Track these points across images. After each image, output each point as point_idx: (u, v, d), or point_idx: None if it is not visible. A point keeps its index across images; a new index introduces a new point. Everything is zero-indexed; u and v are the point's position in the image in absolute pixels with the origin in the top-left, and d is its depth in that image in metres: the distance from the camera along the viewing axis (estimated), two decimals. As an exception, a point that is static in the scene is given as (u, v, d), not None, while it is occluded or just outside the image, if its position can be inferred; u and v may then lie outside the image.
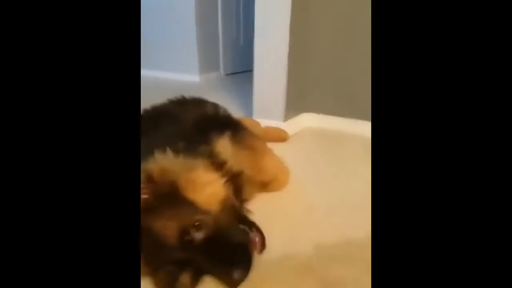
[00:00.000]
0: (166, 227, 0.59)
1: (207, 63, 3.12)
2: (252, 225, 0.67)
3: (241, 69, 3.41)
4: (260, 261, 0.67)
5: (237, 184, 0.73)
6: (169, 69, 3.16)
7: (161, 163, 0.64)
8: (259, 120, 1.54)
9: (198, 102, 1.18)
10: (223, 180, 0.68)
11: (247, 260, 0.61)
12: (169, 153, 0.68)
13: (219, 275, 0.61)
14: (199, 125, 0.89)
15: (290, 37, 1.42)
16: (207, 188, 0.64)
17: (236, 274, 0.58)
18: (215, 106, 1.14)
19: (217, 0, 3.02)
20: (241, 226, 0.65)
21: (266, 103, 1.55)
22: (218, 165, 0.72)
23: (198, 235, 0.60)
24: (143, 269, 0.61)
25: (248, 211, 0.76)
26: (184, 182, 0.63)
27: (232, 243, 0.61)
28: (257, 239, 0.65)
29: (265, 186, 0.94)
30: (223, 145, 0.81)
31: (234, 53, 3.31)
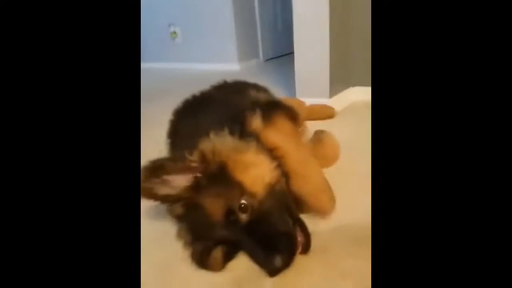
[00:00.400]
0: (213, 204, 0.61)
1: (246, 50, 3.11)
2: (297, 221, 0.64)
3: (281, 53, 3.36)
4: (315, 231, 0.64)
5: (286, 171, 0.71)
6: (209, 60, 3.21)
7: (214, 143, 0.66)
8: (303, 99, 1.50)
9: (240, 86, 1.17)
10: (272, 164, 0.67)
11: (290, 249, 0.59)
12: (224, 134, 0.69)
13: (260, 260, 0.59)
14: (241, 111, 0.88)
15: (331, 11, 1.35)
16: (253, 170, 0.64)
17: (277, 261, 0.56)
18: (257, 89, 1.12)
19: (252, -14, 2.99)
20: (287, 218, 0.63)
21: (309, 80, 1.50)
22: (268, 150, 0.71)
23: (243, 217, 0.60)
24: (185, 239, 0.65)
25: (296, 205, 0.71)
26: (233, 163, 0.63)
27: (276, 230, 0.60)
28: (299, 238, 0.62)
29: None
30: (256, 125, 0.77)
31: (273, 38, 3.26)
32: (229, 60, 3.08)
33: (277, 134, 0.75)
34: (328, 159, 0.97)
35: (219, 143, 0.66)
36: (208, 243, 0.62)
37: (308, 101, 1.47)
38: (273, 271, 0.58)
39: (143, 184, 0.60)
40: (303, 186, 0.70)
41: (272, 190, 0.64)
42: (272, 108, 0.85)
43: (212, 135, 0.68)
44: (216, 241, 0.62)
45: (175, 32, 3.37)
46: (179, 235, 0.67)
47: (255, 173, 0.64)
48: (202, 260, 0.63)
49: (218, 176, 0.63)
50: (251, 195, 0.62)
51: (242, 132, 0.72)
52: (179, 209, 0.65)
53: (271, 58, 3.31)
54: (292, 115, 0.86)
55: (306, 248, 0.62)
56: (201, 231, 0.63)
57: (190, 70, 3.13)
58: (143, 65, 3.63)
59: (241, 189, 0.62)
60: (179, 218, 0.67)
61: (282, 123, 0.81)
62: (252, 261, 0.62)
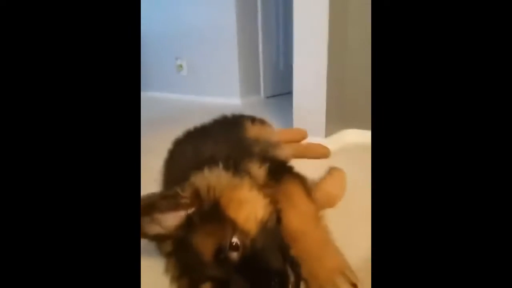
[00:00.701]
0: (204, 243, 0.60)
1: (248, 86, 3.23)
2: (289, 259, 0.63)
3: (281, 92, 3.49)
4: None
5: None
6: (212, 93, 3.32)
7: (208, 179, 0.66)
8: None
9: (239, 120, 1.24)
10: (265, 200, 0.67)
11: (283, 286, 0.57)
12: (218, 170, 0.69)
13: None
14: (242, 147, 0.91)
15: (329, 55, 1.45)
16: (246, 207, 0.64)
17: None
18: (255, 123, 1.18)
19: (257, 26, 3.18)
20: (279, 256, 0.61)
21: (306, 118, 1.57)
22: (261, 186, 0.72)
23: (233, 255, 0.59)
24: (173, 274, 0.64)
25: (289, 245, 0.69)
26: (226, 200, 0.63)
27: (268, 268, 0.59)
28: (292, 278, 0.60)
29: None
30: (256, 174, 0.76)
31: (274, 76, 3.40)
32: (231, 95, 3.19)
33: (297, 214, 0.71)
34: (335, 199, 0.98)
35: (214, 179, 0.67)
36: (196, 278, 0.61)
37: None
38: None
39: None
40: (319, 270, 0.66)
41: (264, 227, 0.63)
42: (284, 172, 0.82)
43: (206, 171, 0.68)
44: (206, 279, 0.60)
45: (181, 65, 3.52)
46: (167, 270, 0.66)
47: (248, 210, 0.63)
48: None
49: (211, 214, 0.62)
50: (244, 233, 0.61)
51: (236, 168, 0.73)
52: (168, 246, 0.64)
53: (272, 96, 3.43)
54: (306, 186, 0.80)
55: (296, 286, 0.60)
56: (190, 269, 0.62)
57: (194, 102, 3.23)
58: (149, 94, 3.74)
59: (234, 227, 0.61)
60: (168, 255, 0.66)
61: (299, 200, 0.75)
62: None
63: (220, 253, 0.58)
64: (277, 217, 0.69)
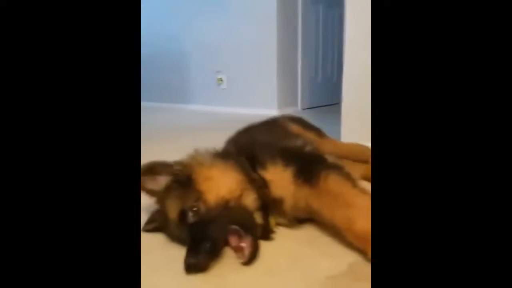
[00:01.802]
0: (172, 204, 0.75)
1: (286, 98, 3.30)
2: (249, 230, 0.70)
3: (318, 104, 3.52)
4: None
5: (264, 202, 0.78)
6: (250, 105, 3.42)
7: (192, 158, 0.83)
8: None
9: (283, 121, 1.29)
10: (238, 186, 0.76)
11: (210, 253, 0.67)
12: (205, 153, 0.85)
13: (185, 256, 0.66)
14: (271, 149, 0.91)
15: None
16: (211, 183, 0.76)
17: (191, 260, 0.65)
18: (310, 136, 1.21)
19: (297, 41, 3.27)
20: (233, 227, 0.69)
21: (353, 129, 1.59)
22: (251, 179, 0.80)
23: (191, 218, 0.72)
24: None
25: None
26: (197, 175, 0.77)
27: (209, 235, 0.68)
28: (244, 244, 0.68)
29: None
30: (278, 176, 0.80)
31: (312, 89, 3.46)
32: (269, 106, 3.27)
33: (359, 215, 0.69)
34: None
35: (194, 158, 0.82)
36: (167, 234, 0.78)
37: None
38: (186, 268, 0.65)
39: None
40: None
41: (225, 205, 0.74)
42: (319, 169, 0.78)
43: (195, 152, 0.85)
44: (171, 236, 0.77)
45: (221, 79, 3.67)
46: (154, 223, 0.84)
47: (212, 185, 0.75)
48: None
49: (184, 183, 0.77)
50: (203, 202, 0.73)
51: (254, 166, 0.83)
52: (155, 204, 0.83)
53: (308, 108, 3.47)
54: (350, 177, 0.78)
55: (251, 257, 0.68)
56: (163, 224, 0.79)
57: (232, 113, 3.34)
58: (191, 107, 3.92)
59: (197, 196, 0.73)
60: (153, 214, 0.85)
61: (351, 198, 0.72)
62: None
63: (182, 215, 0.73)
64: (263, 204, 0.78)
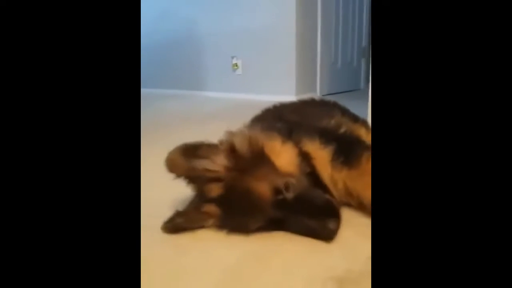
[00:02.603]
0: (261, 186, 0.64)
1: (304, 84, 3.20)
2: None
3: (337, 91, 3.41)
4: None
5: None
6: (266, 91, 3.33)
7: (248, 134, 0.72)
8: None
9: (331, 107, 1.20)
10: (295, 150, 0.72)
11: (336, 213, 0.64)
12: (255, 130, 0.76)
13: (314, 230, 0.63)
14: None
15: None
16: (285, 154, 0.70)
17: (332, 225, 0.62)
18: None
19: (317, 26, 3.15)
20: (321, 192, 0.68)
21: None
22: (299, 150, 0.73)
23: (289, 195, 0.65)
24: (228, 226, 0.68)
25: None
26: (268, 149, 0.69)
27: (318, 201, 0.65)
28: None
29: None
30: (316, 154, 0.74)
31: (331, 75, 3.34)
32: (287, 93, 3.17)
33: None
34: None
35: (253, 134, 0.72)
36: (253, 221, 0.66)
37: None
38: (330, 235, 0.63)
39: (178, 161, 0.66)
40: None
41: (301, 170, 0.69)
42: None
43: (244, 129, 0.76)
44: (265, 221, 0.65)
45: (236, 64, 3.58)
46: (207, 215, 0.68)
47: (288, 156, 0.70)
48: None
49: (259, 161, 0.67)
50: (289, 175, 0.67)
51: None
52: (218, 189, 0.66)
53: (327, 94, 3.36)
54: None
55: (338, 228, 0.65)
56: (247, 212, 0.65)
57: (249, 100, 3.26)
58: (205, 94, 3.86)
59: (279, 171, 0.67)
60: (217, 200, 0.67)
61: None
62: (302, 234, 0.65)
63: (277, 194, 0.64)
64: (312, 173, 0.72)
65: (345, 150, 0.73)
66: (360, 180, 0.70)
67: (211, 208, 0.68)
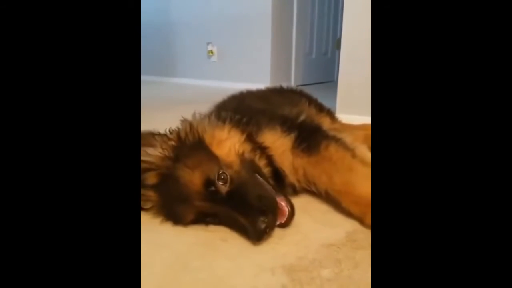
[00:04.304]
0: (191, 175, 0.61)
1: (279, 74, 3.19)
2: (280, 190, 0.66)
3: (312, 81, 3.42)
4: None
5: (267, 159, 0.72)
6: (241, 79, 3.29)
7: (191, 122, 0.70)
8: (342, 116, 1.49)
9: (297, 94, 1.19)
10: (242, 137, 0.70)
11: (271, 210, 0.59)
12: (204, 117, 0.75)
13: (244, 227, 0.58)
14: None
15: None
16: (226, 143, 0.67)
17: (262, 223, 0.56)
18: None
19: (292, 15, 3.12)
20: (264, 183, 0.64)
21: (350, 105, 1.51)
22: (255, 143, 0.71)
23: (222, 187, 0.61)
24: (158, 208, 0.67)
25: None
26: (209, 138, 0.67)
27: (255, 194, 0.60)
28: (283, 203, 0.62)
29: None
30: (276, 143, 0.74)
31: (306, 65, 3.34)
32: (262, 82, 3.14)
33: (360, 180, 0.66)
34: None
35: (196, 121, 0.71)
36: (183, 210, 0.63)
37: (348, 117, 1.46)
38: (258, 235, 0.57)
39: None
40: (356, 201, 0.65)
41: (243, 158, 0.66)
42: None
43: (191, 117, 0.74)
44: (194, 212, 0.63)
45: (212, 51, 3.51)
46: (147, 201, 0.66)
47: (229, 146, 0.67)
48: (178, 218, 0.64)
49: (195, 149, 0.65)
50: (228, 165, 0.63)
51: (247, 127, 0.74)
52: (153, 178, 0.65)
53: (302, 85, 3.37)
54: (348, 147, 0.75)
55: (292, 217, 0.63)
56: (176, 201, 0.63)
57: (222, 88, 3.21)
58: (177, 80, 3.76)
59: (218, 161, 0.63)
60: (153, 188, 0.65)
61: (349, 164, 0.69)
62: (234, 230, 0.63)
63: (209, 185, 0.60)
64: (269, 161, 0.71)
65: (306, 138, 0.74)
66: (318, 167, 0.70)
67: (150, 193, 0.66)
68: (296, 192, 0.77)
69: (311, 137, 0.74)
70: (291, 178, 0.73)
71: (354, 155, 0.72)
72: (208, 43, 3.52)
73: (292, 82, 3.31)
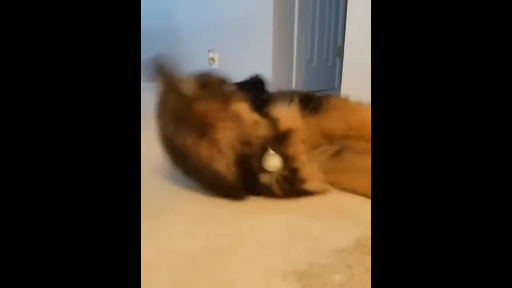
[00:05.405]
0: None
1: (280, 81, 3.19)
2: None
3: (313, 89, 3.43)
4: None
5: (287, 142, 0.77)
6: (243, 87, 3.30)
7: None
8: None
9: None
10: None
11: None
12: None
13: None
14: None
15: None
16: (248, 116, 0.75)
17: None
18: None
19: (293, 22, 3.15)
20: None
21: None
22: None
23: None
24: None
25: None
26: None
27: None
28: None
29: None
30: (285, 113, 0.81)
31: (307, 73, 3.36)
32: (263, 89, 3.16)
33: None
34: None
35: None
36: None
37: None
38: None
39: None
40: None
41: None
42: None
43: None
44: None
45: (213, 58, 3.52)
46: None
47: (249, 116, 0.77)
48: None
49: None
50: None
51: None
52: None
53: (303, 92, 3.39)
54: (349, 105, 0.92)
55: None
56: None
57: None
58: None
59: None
60: None
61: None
62: None
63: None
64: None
65: (308, 102, 0.85)
66: (329, 117, 0.81)
67: None
68: (303, 193, 0.77)
69: (311, 100, 0.87)
70: (309, 138, 0.79)
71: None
72: (209, 51, 3.54)
73: (293, 88, 3.32)
